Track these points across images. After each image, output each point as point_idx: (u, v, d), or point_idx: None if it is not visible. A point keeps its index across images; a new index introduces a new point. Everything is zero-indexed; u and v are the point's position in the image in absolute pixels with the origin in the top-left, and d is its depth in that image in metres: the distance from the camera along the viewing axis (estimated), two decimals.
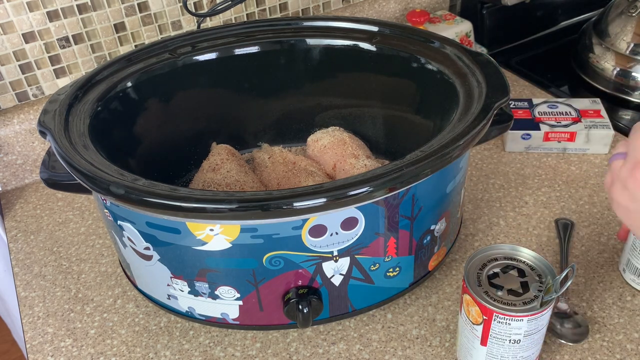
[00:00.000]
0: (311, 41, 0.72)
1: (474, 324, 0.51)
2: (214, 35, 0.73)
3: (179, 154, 0.74)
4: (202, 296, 0.56)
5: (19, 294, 0.69)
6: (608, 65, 0.93)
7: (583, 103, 0.85)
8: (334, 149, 0.72)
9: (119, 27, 0.85)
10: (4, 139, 0.82)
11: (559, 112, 0.83)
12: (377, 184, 0.47)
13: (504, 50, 1.08)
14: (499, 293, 0.49)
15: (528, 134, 0.81)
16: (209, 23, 0.92)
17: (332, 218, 0.50)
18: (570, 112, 0.83)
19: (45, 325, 0.64)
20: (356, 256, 0.54)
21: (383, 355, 0.58)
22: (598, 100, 0.85)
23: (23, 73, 0.83)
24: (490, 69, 0.60)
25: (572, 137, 0.80)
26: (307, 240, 0.51)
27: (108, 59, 0.87)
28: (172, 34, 0.90)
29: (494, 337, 0.50)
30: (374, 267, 0.56)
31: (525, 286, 0.50)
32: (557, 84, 0.98)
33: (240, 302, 0.56)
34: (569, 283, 0.48)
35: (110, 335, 0.63)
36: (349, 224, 0.51)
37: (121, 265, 0.67)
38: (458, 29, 1.00)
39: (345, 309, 0.59)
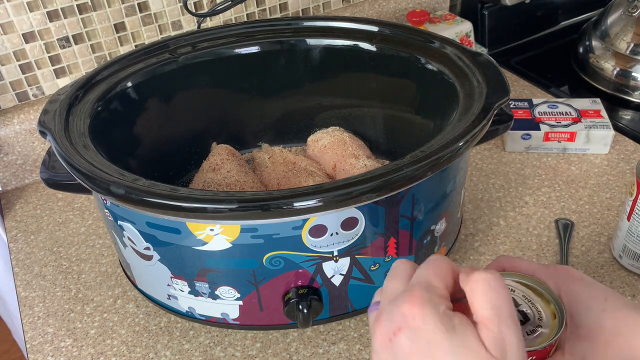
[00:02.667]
0: (311, 41, 0.72)
1: None
2: (214, 35, 0.73)
3: (179, 154, 0.74)
4: (202, 296, 0.56)
5: (19, 294, 0.69)
6: (608, 65, 0.93)
7: (583, 103, 0.85)
8: (334, 149, 0.72)
9: (119, 27, 0.85)
10: (4, 139, 0.82)
11: (559, 112, 0.83)
12: (377, 184, 0.46)
13: (504, 50, 1.08)
14: None
15: (528, 134, 0.81)
16: (209, 23, 0.92)
17: (332, 218, 0.50)
18: (570, 112, 0.83)
19: (45, 325, 0.64)
20: (356, 256, 0.54)
21: None
22: (598, 100, 0.85)
23: (23, 73, 0.83)
24: (490, 69, 0.60)
25: (572, 137, 0.80)
26: (307, 240, 0.51)
27: (108, 59, 0.87)
28: (172, 34, 0.90)
29: None
30: (374, 267, 0.56)
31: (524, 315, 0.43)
32: (557, 84, 0.98)
33: (241, 302, 0.56)
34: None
35: (111, 335, 0.63)
36: (349, 224, 0.51)
37: (121, 265, 0.67)
38: (458, 29, 1.00)
39: (345, 309, 0.59)
